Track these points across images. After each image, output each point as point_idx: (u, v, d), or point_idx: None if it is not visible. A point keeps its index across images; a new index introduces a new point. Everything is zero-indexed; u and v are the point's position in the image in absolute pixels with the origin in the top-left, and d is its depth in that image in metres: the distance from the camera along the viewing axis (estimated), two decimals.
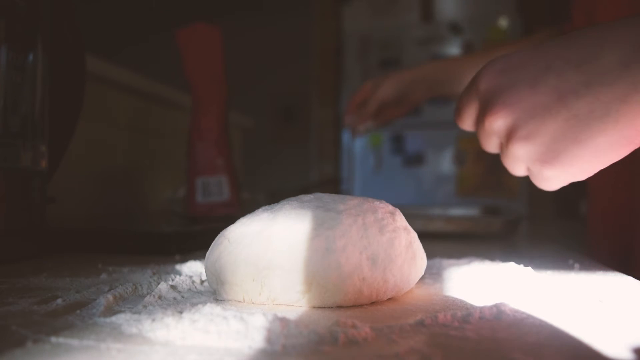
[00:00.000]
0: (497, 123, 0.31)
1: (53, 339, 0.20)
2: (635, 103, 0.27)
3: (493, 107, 0.31)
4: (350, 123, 0.84)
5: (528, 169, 0.32)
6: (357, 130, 0.84)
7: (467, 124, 0.35)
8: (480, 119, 0.33)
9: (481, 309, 0.25)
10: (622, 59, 0.27)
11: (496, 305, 0.25)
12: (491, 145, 0.34)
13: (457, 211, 0.95)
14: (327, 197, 0.31)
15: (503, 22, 2.29)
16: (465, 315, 0.24)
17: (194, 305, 0.25)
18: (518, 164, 0.32)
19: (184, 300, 0.29)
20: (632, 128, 0.27)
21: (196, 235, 0.54)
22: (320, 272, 0.27)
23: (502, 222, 0.69)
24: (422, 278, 0.36)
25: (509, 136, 0.31)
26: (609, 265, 0.42)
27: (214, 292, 0.31)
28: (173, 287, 0.30)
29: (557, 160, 0.29)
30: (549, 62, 0.29)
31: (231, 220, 0.32)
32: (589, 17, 0.55)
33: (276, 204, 0.31)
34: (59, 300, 0.27)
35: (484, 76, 0.32)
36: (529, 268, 0.35)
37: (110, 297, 0.27)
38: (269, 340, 0.20)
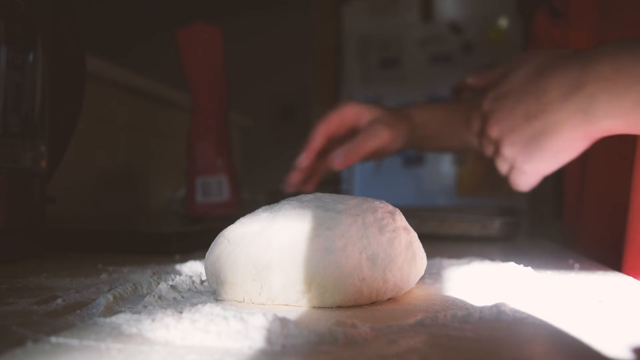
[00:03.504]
0: (492, 134, 0.46)
1: (53, 339, 0.20)
2: (571, 124, 0.40)
3: (489, 123, 0.46)
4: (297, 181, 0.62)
5: (510, 168, 0.46)
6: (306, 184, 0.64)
7: (474, 132, 0.51)
8: (482, 131, 0.48)
9: (481, 309, 0.25)
10: (562, 94, 0.40)
11: (496, 305, 0.25)
12: (488, 150, 0.48)
13: (468, 212, 0.87)
14: (326, 197, 0.31)
15: (503, 22, 2.29)
16: (465, 315, 0.24)
17: (194, 305, 0.25)
18: (504, 163, 0.47)
19: (184, 300, 0.29)
20: (573, 140, 0.41)
21: (196, 235, 0.54)
22: (320, 272, 0.27)
23: (500, 224, 0.67)
24: (422, 278, 0.36)
25: (499, 143, 0.46)
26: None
27: (214, 292, 0.31)
28: (173, 287, 0.30)
29: (530, 159, 0.44)
30: (520, 96, 0.44)
31: (231, 220, 0.32)
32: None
33: (276, 204, 0.31)
34: (59, 300, 0.27)
35: (485, 100, 0.47)
36: (529, 268, 0.35)
37: (110, 297, 0.27)
38: (269, 340, 0.20)
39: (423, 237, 0.35)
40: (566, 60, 0.41)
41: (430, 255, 0.42)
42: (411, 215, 0.36)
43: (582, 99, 0.39)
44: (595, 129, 0.40)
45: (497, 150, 0.47)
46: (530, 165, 0.44)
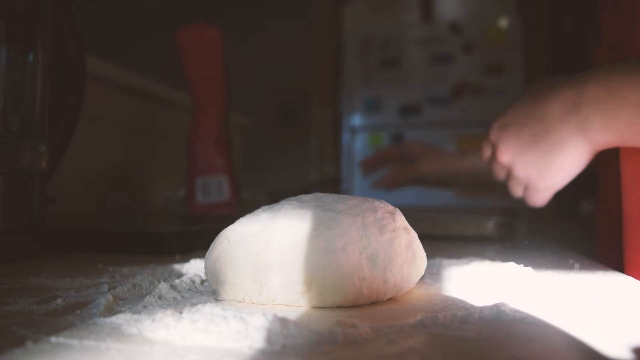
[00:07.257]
0: (502, 159, 0.50)
1: (53, 339, 0.20)
2: (574, 142, 0.45)
3: (499, 150, 0.51)
4: (367, 173, 0.88)
5: (525, 188, 0.51)
6: (379, 184, 0.87)
7: (486, 158, 0.55)
8: (493, 158, 0.53)
9: (481, 309, 0.25)
10: (561, 116, 0.45)
11: (496, 305, 0.25)
12: (500, 174, 0.53)
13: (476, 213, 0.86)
14: (326, 197, 0.31)
15: (503, 22, 2.29)
16: (465, 315, 0.24)
17: (194, 305, 0.25)
18: (518, 184, 0.51)
19: (184, 300, 0.29)
20: (578, 154, 0.46)
21: (196, 235, 0.54)
22: (319, 272, 0.27)
23: (494, 224, 0.66)
24: (422, 278, 0.36)
25: (511, 167, 0.50)
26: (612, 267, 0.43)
27: (214, 292, 0.31)
28: (173, 287, 0.30)
29: (543, 177, 0.48)
30: (524, 121, 0.48)
31: (231, 220, 0.32)
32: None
33: (276, 204, 0.31)
34: (59, 300, 0.27)
35: (492, 130, 0.52)
36: (529, 268, 0.35)
37: (110, 297, 0.27)
38: (269, 340, 0.20)
39: (422, 237, 0.35)
40: (562, 84, 0.45)
41: (430, 255, 0.42)
42: (411, 216, 0.37)
43: (580, 120, 0.44)
44: (595, 144, 0.45)
45: (509, 174, 0.52)
46: (544, 182, 0.49)
